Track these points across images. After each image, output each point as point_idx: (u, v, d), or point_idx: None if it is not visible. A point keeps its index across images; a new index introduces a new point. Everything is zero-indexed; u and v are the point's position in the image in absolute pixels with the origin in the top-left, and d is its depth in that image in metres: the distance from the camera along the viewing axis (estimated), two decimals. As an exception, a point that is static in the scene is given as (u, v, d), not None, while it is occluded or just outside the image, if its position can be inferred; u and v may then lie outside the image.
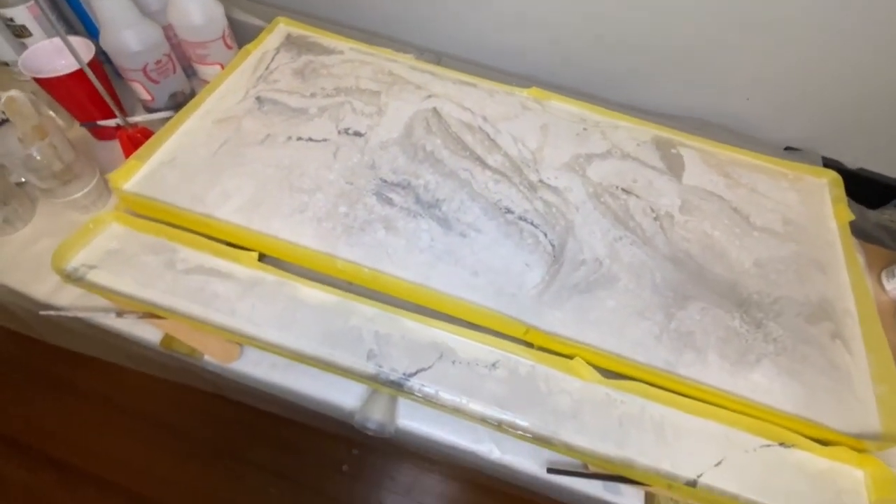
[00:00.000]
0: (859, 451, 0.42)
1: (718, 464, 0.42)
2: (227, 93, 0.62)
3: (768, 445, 0.43)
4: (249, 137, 0.57)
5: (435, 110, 0.63)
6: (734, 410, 0.44)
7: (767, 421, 0.43)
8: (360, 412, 0.44)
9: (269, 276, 0.47)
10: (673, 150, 0.64)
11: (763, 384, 0.45)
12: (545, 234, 0.52)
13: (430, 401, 0.42)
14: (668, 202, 0.57)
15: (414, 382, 0.43)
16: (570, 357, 0.45)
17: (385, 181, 0.55)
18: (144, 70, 0.62)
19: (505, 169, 0.58)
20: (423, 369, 0.43)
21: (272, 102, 0.61)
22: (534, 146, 0.61)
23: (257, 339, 0.44)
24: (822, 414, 0.44)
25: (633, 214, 0.56)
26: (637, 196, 0.57)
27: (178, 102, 0.67)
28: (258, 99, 0.61)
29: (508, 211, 0.54)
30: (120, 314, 0.47)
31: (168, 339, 0.47)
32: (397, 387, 0.42)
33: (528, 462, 0.44)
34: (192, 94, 0.68)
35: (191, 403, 1.10)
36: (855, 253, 0.56)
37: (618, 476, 0.42)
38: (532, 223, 0.53)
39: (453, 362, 0.44)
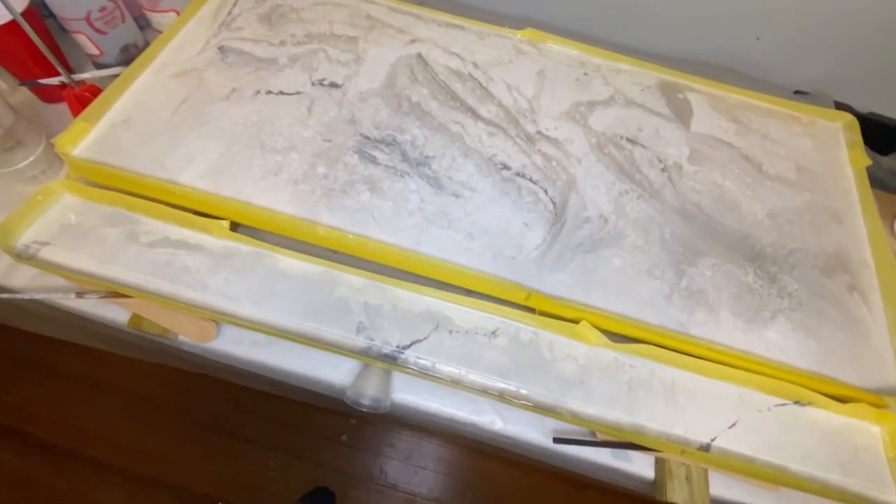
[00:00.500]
0: (877, 406, 0.40)
1: (732, 426, 0.40)
2: (184, 43, 0.55)
3: (783, 404, 0.41)
4: (213, 92, 0.50)
5: (419, 56, 0.56)
6: (748, 370, 0.41)
7: (782, 379, 0.41)
8: (353, 388, 0.41)
9: (243, 246, 0.43)
10: (680, 95, 0.59)
11: (778, 341, 0.43)
12: (545, 191, 0.48)
13: (427, 374, 0.39)
14: (676, 152, 0.53)
15: (409, 355, 0.39)
16: (576, 321, 0.42)
17: (367, 137, 0.49)
18: (88, 19, 0.55)
19: (499, 120, 0.53)
20: (417, 341, 0.40)
21: (237, 53, 0.54)
22: (530, 94, 0.55)
23: (234, 315, 0.40)
24: (838, 370, 0.42)
25: (640, 166, 0.51)
26: (643, 146, 0.53)
27: (131, 56, 0.59)
28: (220, 49, 0.54)
29: (505, 167, 0.49)
30: (80, 294, 0.42)
31: (136, 320, 0.43)
32: (391, 360, 0.39)
33: (532, 432, 0.42)
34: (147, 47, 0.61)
35: (181, 382, 1.07)
36: (872, 200, 0.53)
37: (627, 443, 0.40)
38: (531, 179, 0.49)
39: (450, 332, 0.41)
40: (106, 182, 0.46)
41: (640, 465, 0.41)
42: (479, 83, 0.55)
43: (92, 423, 1.03)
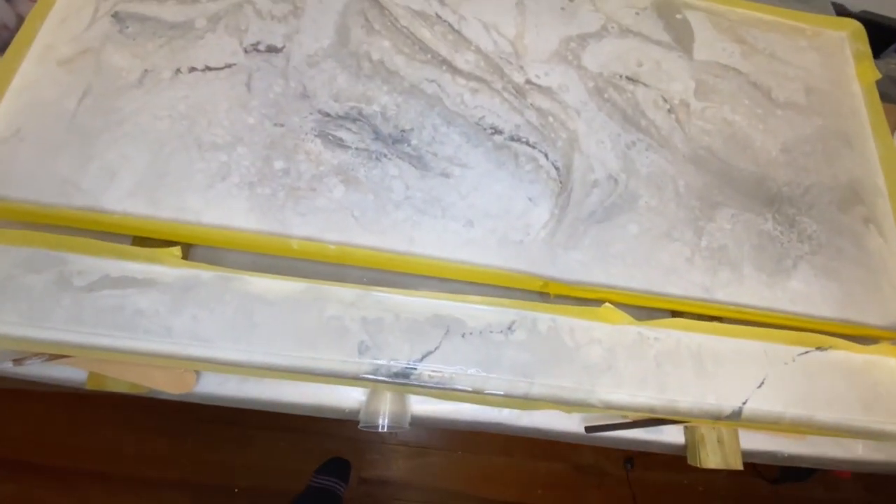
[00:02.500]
0: (897, 341, 0.40)
1: (761, 384, 0.39)
2: (67, 14, 0.42)
3: (806, 352, 0.40)
4: (119, 78, 0.40)
5: None
6: (772, 325, 0.40)
7: (805, 329, 0.40)
8: (366, 412, 0.37)
9: (204, 273, 0.36)
10: (678, 16, 0.51)
11: (801, 291, 0.41)
12: (546, 155, 0.42)
13: (444, 389, 0.35)
14: (682, 87, 0.47)
15: (423, 369, 0.35)
16: (597, 302, 0.38)
17: (327, 114, 0.41)
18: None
19: (481, 71, 0.44)
20: (429, 352, 0.36)
21: (138, 19, 0.42)
22: (512, 34, 0.47)
23: (211, 360, 0.34)
24: (860, 312, 0.41)
25: (644, 110, 0.45)
26: (645, 84, 0.46)
27: (4, 42, 0.46)
28: (116, 16, 0.42)
29: (496, 131, 0.42)
30: (19, 361, 0.35)
31: (97, 378, 0.36)
32: (403, 379, 0.35)
33: (562, 420, 0.40)
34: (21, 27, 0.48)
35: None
36: (884, 119, 0.49)
37: (659, 419, 0.38)
38: (528, 143, 0.42)
39: (463, 335, 0.37)
40: (11, 218, 0.36)
41: (670, 434, 0.41)
42: (451, 26, 0.46)
43: (81, 437, 0.98)
